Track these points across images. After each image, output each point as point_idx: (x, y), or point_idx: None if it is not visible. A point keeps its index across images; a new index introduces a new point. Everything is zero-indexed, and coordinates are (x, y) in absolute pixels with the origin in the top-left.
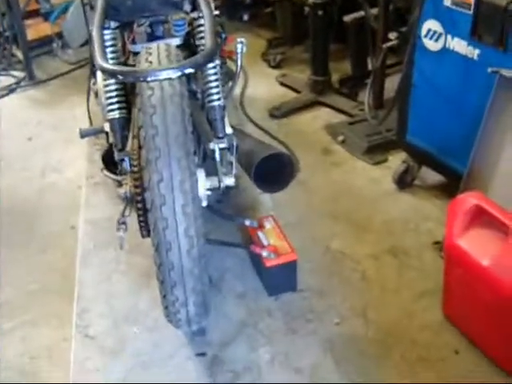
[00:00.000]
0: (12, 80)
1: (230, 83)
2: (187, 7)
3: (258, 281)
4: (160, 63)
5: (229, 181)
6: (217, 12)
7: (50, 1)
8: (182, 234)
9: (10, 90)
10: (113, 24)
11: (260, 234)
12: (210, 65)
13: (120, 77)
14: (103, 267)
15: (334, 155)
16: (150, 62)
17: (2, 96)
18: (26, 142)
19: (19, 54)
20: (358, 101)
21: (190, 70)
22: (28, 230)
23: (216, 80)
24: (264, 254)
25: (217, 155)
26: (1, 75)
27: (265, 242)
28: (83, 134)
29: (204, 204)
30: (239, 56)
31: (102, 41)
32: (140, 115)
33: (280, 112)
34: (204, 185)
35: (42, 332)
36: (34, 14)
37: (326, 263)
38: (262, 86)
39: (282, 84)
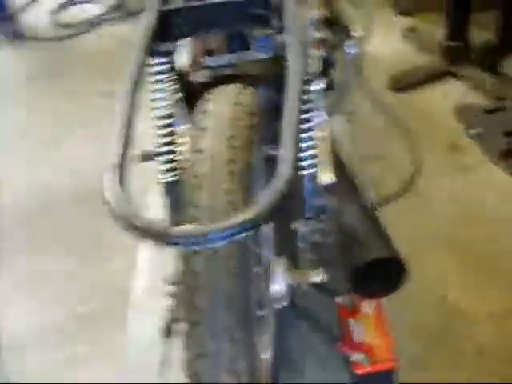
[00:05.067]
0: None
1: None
2: (275, 24)
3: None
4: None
5: (316, 277)
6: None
7: None
8: None
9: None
10: (165, 47)
11: (352, 323)
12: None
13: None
14: None
15: (462, 154)
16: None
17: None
18: None
19: None
20: (502, 76)
21: (236, 237)
22: None
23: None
24: (352, 357)
25: (300, 241)
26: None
27: (356, 338)
28: None
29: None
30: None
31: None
32: None
33: (401, 84)
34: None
35: None
36: None
37: (438, 322)
38: (384, 41)
39: (408, 40)
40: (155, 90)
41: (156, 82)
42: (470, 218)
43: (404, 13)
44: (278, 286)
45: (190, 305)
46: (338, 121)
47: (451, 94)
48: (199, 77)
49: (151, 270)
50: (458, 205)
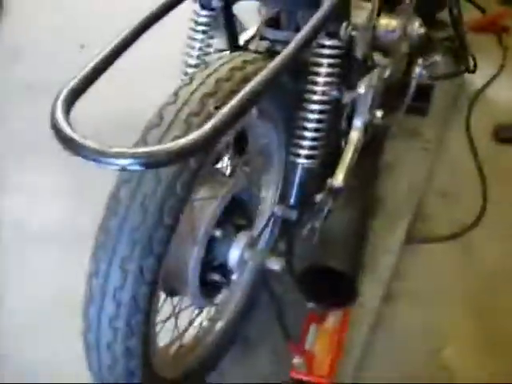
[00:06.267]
0: None
1: None
2: None
3: None
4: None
5: (273, 264)
6: None
7: None
8: None
9: None
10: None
11: (313, 328)
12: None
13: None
14: None
15: None
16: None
17: None
18: None
19: None
20: None
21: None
22: None
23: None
24: (294, 360)
25: (270, 224)
26: None
27: (306, 344)
28: None
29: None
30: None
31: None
32: None
33: (507, 134)
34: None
35: None
36: None
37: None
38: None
39: None
40: (189, 38)
41: (193, 30)
42: None
43: None
44: (235, 255)
45: None
46: (413, 146)
47: None
48: (252, 44)
49: None
50: None
